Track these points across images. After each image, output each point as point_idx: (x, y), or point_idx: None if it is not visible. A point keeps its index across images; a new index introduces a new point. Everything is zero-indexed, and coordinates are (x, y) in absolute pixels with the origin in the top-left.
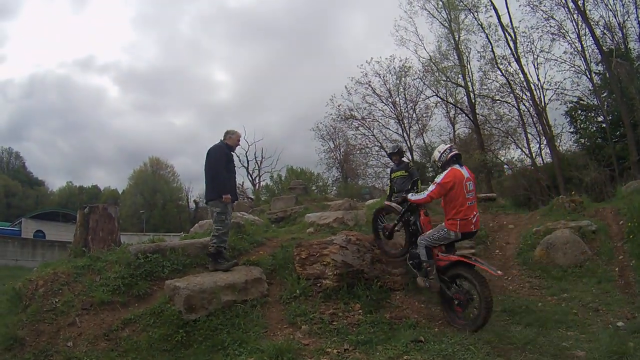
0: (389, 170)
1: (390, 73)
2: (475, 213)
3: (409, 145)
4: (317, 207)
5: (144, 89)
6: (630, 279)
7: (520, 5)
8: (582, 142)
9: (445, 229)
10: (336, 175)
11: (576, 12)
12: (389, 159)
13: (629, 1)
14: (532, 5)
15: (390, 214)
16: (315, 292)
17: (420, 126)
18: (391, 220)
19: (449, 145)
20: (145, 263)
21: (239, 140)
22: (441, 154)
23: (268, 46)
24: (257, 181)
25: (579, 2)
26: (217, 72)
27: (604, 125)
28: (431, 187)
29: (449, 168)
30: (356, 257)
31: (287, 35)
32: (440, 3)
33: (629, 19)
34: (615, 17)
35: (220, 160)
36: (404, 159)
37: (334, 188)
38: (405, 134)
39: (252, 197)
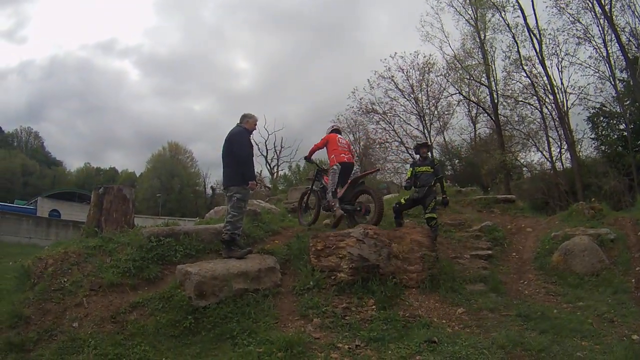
0: (408, 165)
1: (413, 69)
2: (347, 153)
3: (429, 142)
4: None
5: (164, 74)
6: None
7: (546, 7)
8: (603, 149)
9: (331, 167)
10: (355, 168)
11: (602, 17)
12: (414, 152)
13: None
14: (558, 7)
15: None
16: (329, 284)
17: (441, 123)
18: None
19: (333, 124)
20: (158, 246)
21: (256, 125)
22: (328, 129)
23: (291, 36)
24: (275, 170)
25: (606, 7)
26: (239, 60)
27: (625, 133)
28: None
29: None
30: (373, 252)
31: (311, 26)
32: (468, 0)
33: None
34: None
35: (247, 145)
36: (429, 154)
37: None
38: (426, 131)
39: (270, 185)
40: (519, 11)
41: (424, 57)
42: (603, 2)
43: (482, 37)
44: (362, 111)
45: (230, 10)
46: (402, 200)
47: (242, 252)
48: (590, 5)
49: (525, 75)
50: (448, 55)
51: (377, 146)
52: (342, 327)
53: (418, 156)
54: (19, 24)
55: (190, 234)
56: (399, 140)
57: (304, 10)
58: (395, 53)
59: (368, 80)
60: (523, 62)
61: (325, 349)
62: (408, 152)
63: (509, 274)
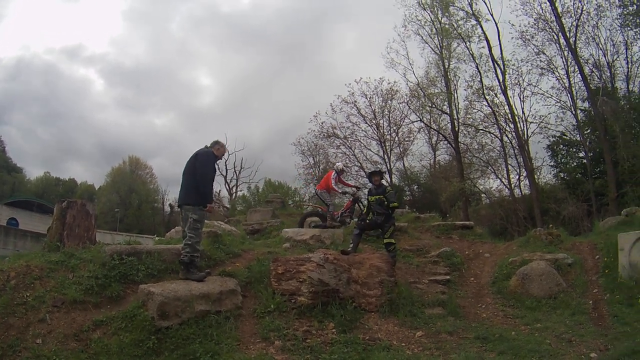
0: (367, 191)
1: (377, 95)
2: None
3: (388, 167)
4: (293, 222)
5: (128, 85)
6: (604, 312)
7: (512, 38)
8: (562, 176)
9: None
10: (313, 191)
11: (567, 49)
12: (368, 179)
13: (619, 42)
14: (524, 39)
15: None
16: (290, 308)
17: (401, 150)
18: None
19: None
20: (120, 265)
21: (223, 155)
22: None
23: (257, 54)
24: (234, 191)
25: (571, 40)
26: (202, 76)
27: (584, 161)
28: None
29: None
30: (332, 276)
31: (277, 45)
32: (434, 30)
33: (618, 59)
34: (605, 57)
35: (210, 167)
36: (383, 181)
37: (310, 204)
38: (386, 156)
39: (228, 206)
40: (485, 42)
41: (388, 83)
42: (568, 34)
43: (447, 66)
44: (323, 135)
45: (196, 25)
46: (367, 219)
47: (201, 275)
48: (556, 37)
49: (486, 104)
50: (411, 82)
51: None
52: (303, 350)
53: (372, 184)
54: None
55: (152, 253)
56: (359, 165)
57: (270, 29)
58: (360, 78)
59: (331, 104)
60: (485, 91)
61: None
62: (368, 177)
63: (467, 298)
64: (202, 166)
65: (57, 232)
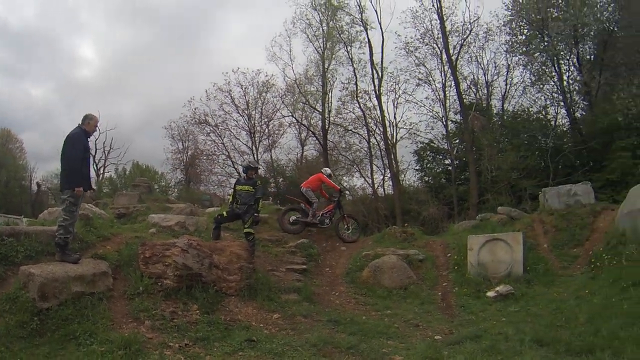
0: (232, 180)
1: (252, 86)
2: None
3: (255, 158)
4: (159, 207)
5: (11, 49)
6: (451, 302)
7: (396, 47)
8: (427, 180)
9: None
10: (179, 177)
11: (447, 64)
12: (243, 170)
13: (502, 64)
14: (407, 50)
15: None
16: (157, 290)
17: (270, 142)
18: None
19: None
20: (1, 246)
21: (96, 126)
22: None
23: (143, 32)
24: (102, 172)
25: (453, 57)
26: (86, 47)
27: (450, 168)
28: None
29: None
30: (196, 261)
31: (165, 25)
32: (321, 31)
33: (497, 80)
34: (485, 76)
35: (78, 149)
36: (255, 175)
37: (176, 190)
38: (254, 147)
39: (95, 188)
40: (367, 48)
41: (266, 76)
42: (452, 51)
43: (326, 67)
44: (195, 121)
45: None
46: (224, 213)
47: (76, 257)
48: (439, 52)
49: (359, 107)
50: (289, 78)
51: (205, 157)
52: (171, 329)
53: (244, 175)
54: None
55: (30, 234)
56: (227, 153)
57: (162, 7)
58: (238, 68)
59: (206, 91)
60: (359, 94)
61: (159, 348)
62: (234, 167)
63: (322, 287)
64: (69, 149)
65: None
